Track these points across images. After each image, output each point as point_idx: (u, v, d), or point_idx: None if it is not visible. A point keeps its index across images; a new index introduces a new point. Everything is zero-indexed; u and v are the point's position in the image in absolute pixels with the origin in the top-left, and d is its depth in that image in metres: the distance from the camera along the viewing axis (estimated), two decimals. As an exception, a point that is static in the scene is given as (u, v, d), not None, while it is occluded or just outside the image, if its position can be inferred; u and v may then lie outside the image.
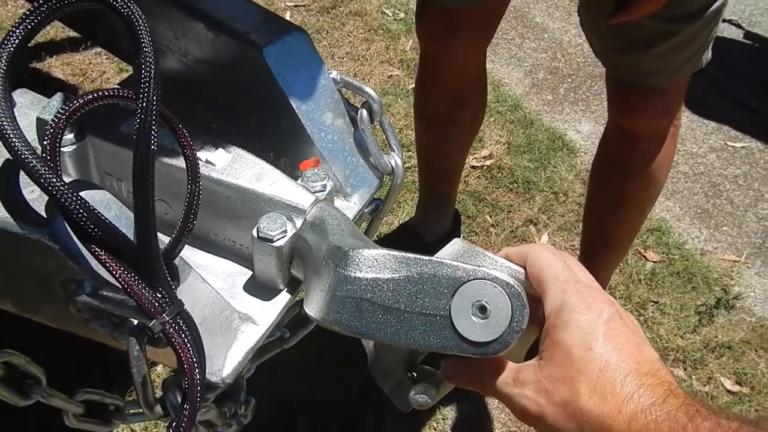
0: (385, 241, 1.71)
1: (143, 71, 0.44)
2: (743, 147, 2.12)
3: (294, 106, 0.66)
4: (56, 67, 2.06)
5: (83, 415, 0.65)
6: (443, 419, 1.41)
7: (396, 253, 0.47)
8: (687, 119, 2.14)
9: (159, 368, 1.32)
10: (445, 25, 1.23)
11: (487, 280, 0.44)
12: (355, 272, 0.47)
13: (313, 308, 0.49)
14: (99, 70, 2.06)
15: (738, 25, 2.57)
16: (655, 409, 0.39)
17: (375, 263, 0.47)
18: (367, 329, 0.46)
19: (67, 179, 0.50)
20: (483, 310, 0.44)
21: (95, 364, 1.17)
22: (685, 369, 1.55)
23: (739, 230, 1.88)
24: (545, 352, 0.43)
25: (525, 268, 0.48)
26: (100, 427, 0.67)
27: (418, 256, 0.46)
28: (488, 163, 1.97)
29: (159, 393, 0.54)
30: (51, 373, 0.61)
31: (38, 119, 0.66)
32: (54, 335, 0.61)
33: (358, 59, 2.26)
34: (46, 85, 1.96)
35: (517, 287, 0.44)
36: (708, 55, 1.14)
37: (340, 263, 0.48)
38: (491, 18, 1.28)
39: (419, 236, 1.66)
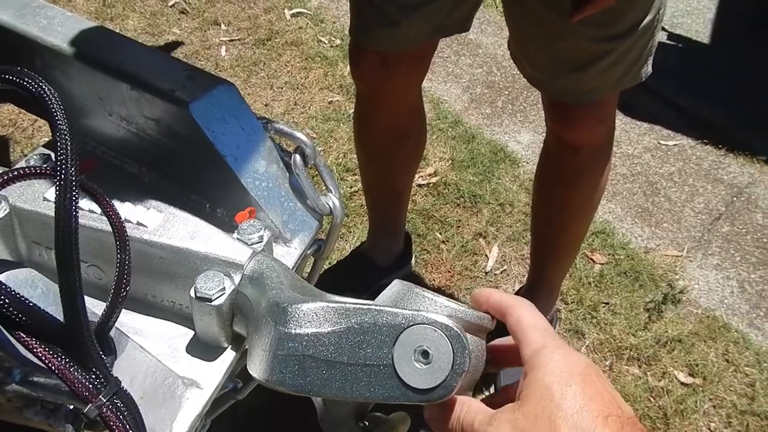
0: (337, 268, 1.70)
1: (59, 149, 0.43)
2: (675, 144, 2.21)
3: (225, 158, 0.66)
4: (-16, 118, 1.99)
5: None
6: None
7: (335, 304, 0.47)
8: (620, 122, 2.22)
9: None
10: (379, 67, 1.24)
11: (427, 324, 0.44)
12: (295, 329, 0.46)
13: (255, 369, 0.48)
14: (30, 119, 1.99)
15: (662, 29, 2.69)
16: None
17: (315, 317, 0.46)
18: (312, 386, 0.45)
19: (-13, 261, 0.48)
20: (425, 355, 0.44)
21: None
22: (639, 366, 1.59)
23: (679, 225, 1.95)
24: (524, 391, 0.43)
25: (490, 313, 0.49)
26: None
27: (358, 305, 0.46)
28: (434, 180, 1.99)
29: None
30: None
31: (-43, 193, 0.64)
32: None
33: (298, 87, 2.26)
34: (-27, 138, 1.89)
35: (456, 329, 0.44)
36: (648, 69, 1.16)
37: (279, 320, 0.47)
38: (424, 55, 1.30)
39: (372, 261, 1.67)
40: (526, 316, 0.47)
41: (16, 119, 1.99)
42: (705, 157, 2.16)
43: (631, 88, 1.17)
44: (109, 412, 0.42)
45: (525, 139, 2.18)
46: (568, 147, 1.27)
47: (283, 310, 0.47)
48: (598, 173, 1.32)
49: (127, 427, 0.43)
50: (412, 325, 0.44)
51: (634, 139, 2.22)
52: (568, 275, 1.72)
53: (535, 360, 0.44)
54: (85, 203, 0.60)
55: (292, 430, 1.39)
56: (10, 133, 1.94)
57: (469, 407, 0.46)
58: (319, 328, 0.46)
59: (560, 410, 0.40)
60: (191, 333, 0.60)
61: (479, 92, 2.35)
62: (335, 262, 1.73)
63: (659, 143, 2.21)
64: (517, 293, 1.67)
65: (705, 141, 2.21)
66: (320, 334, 0.45)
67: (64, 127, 0.43)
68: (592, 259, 1.83)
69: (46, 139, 1.28)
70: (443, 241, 1.84)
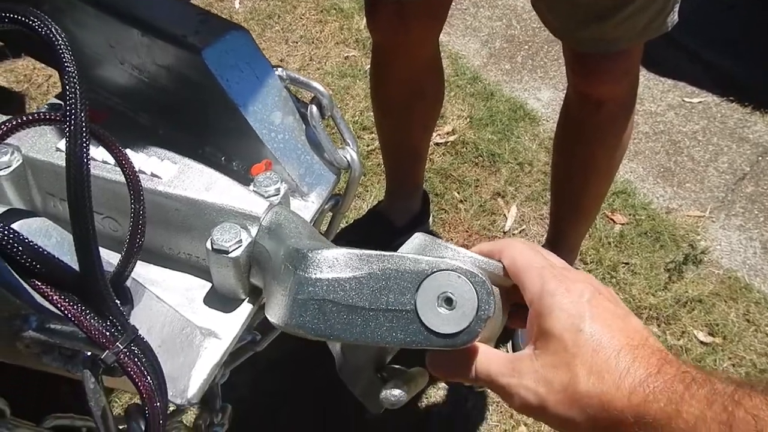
0: (354, 228, 1.69)
1: (68, 93, 0.42)
2: (700, 102, 2.15)
3: (240, 108, 0.64)
4: (-1, 75, 1.98)
5: (53, 441, 0.63)
6: (426, 412, 1.42)
7: (357, 251, 0.46)
8: (643, 78, 2.16)
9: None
10: (396, 17, 1.21)
11: (451, 271, 0.43)
12: (315, 273, 0.45)
13: (275, 315, 0.48)
14: (44, 74, 1.98)
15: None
16: (652, 381, 0.39)
17: (336, 263, 0.46)
18: (333, 331, 0.45)
19: (0, 209, 0.48)
20: (449, 301, 0.43)
21: (63, 381, 1.15)
22: (658, 325, 1.58)
23: (702, 186, 1.91)
24: (538, 341, 0.43)
25: (501, 261, 0.48)
26: (71, 453, 0.66)
27: (379, 253, 0.45)
28: (452, 138, 1.96)
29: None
30: (17, 394, 0.59)
31: (-30, 143, 0.63)
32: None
33: (313, 42, 2.22)
34: (-11, 95, 1.89)
35: (481, 276, 0.43)
36: (674, 17, 1.12)
37: (299, 266, 0.47)
38: (441, 5, 1.26)
39: (389, 220, 1.66)
40: (517, 257, 0.47)
41: (31, 75, 1.98)
42: (730, 116, 2.10)
43: (655, 42, 1.13)
44: (126, 359, 0.42)
45: (545, 96, 2.13)
46: (591, 102, 1.23)
47: (303, 256, 0.47)
48: (620, 130, 1.28)
49: (145, 372, 0.42)
50: (435, 272, 0.43)
51: (657, 96, 2.16)
52: (587, 235, 1.70)
53: (540, 308, 0.44)
54: (99, 154, 0.58)
55: (312, 379, 1.41)
56: (25, 88, 1.93)
57: (485, 354, 0.45)
58: (340, 273, 0.45)
59: (576, 357, 0.41)
60: (208, 285, 0.59)
61: (498, 47, 2.29)
62: (352, 221, 1.72)
63: (683, 101, 2.15)
64: (535, 252, 1.65)
65: (731, 99, 2.14)
66: (341, 279, 0.45)
67: (72, 70, 0.42)
68: (612, 220, 1.80)
69: (61, 95, 1.27)
70: (461, 201, 1.82)
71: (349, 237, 1.65)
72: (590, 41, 1.11)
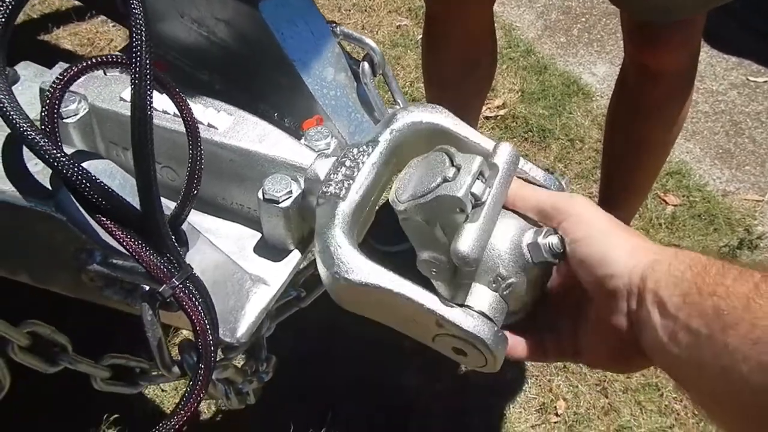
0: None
1: (134, 36, 0.44)
2: (766, 82, 2.05)
3: (294, 62, 0.65)
4: (63, 37, 2.05)
5: (110, 378, 0.67)
6: (462, 368, 1.43)
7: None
8: (706, 55, 2.07)
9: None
10: None
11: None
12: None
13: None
14: (107, 38, 2.04)
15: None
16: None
17: None
18: None
19: (69, 150, 0.50)
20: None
21: (119, 329, 1.21)
22: (707, 310, 1.54)
23: (762, 169, 1.84)
24: None
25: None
26: (127, 389, 0.69)
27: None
28: (502, 112, 1.94)
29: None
30: (76, 340, 0.63)
31: (41, 90, 0.66)
32: (77, 305, 0.62)
33: (366, 10, 2.21)
34: (54, 57, 1.96)
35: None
36: None
37: None
38: None
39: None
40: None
41: (94, 38, 2.04)
42: (798, 97, 2.00)
43: (720, 19, 1.08)
44: (182, 294, 0.44)
45: (600, 71, 2.07)
46: (649, 74, 1.19)
47: None
48: (679, 104, 1.24)
49: (199, 308, 0.45)
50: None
51: (719, 74, 2.07)
52: (638, 215, 1.66)
53: None
54: (159, 104, 0.61)
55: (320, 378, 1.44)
56: (88, 52, 2.00)
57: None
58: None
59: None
60: (259, 235, 0.62)
61: (554, 18, 2.23)
62: (397, 190, 1.73)
63: (747, 79, 2.06)
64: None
65: (800, 79, 2.04)
66: None
67: (140, 14, 0.44)
68: (664, 200, 1.75)
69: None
70: (508, 174, 1.80)
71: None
72: (651, 9, 1.07)
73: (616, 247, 0.43)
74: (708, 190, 1.77)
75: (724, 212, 1.72)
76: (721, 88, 2.04)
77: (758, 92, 2.02)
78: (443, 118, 0.54)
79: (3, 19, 0.43)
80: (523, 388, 1.41)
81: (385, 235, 0.85)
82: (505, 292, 0.47)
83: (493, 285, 0.47)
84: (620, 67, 1.31)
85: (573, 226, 0.46)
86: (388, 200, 0.52)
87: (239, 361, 0.88)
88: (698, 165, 1.85)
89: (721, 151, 1.88)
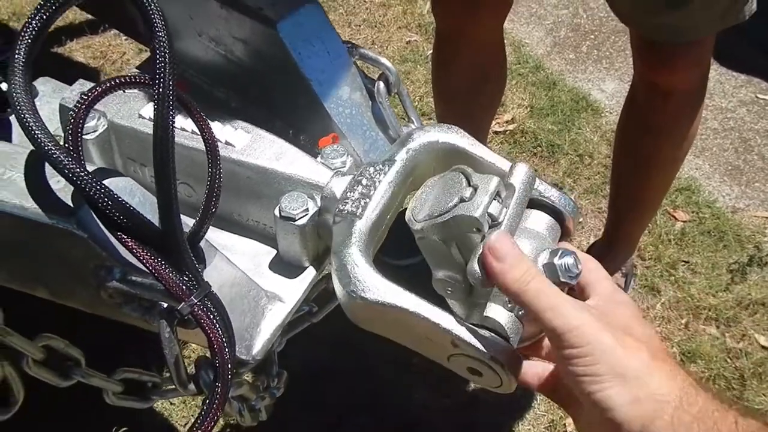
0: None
1: (158, 56, 0.44)
2: (775, 99, 2.05)
3: (310, 82, 0.66)
4: (77, 50, 2.08)
5: (122, 392, 0.68)
6: (471, 385, 1.42)
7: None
8: (715, 72, 2.08)
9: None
10: (466, 1, 1.20)
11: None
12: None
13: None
14: (119, 51, 2.07)
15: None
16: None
17: None
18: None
19: (90, 167, 0.51)
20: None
21: (131, 344, 1.21)
22: (717, 327, 1.54)
23: (772, 185, 1.83)
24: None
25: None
26: (139, 403, 0.70)
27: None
28: (511, 127, 1.94)
29: (193, 370, 0.56)
30: (89, 354, 0.63)
31: (61, 106, 0.67)
32: (90, 319, 0.63)
33: (376, 26, 2.23)
34: (67, 70, 1.98)
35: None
36: (752, 6, 1.07)
37: None
38: None
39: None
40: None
41: (107, 51, 2.07)
42: (808, 114, 2.00)
43: (729, 36, 1.09)
44: (200, 311, 0.45)
45: (609, 87, 2.08)
46: (659, 92, 1.20)
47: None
48: (689, 121, 1.25)
49: (217, 325, 0.45)
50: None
51: (728, 92, 2.07)
52: (647, 231, 1.66)
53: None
54: (178, 121, 0.61)
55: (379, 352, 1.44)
56: (101, 65, 2.02)
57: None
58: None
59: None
60: (274, 252, 0.62)
61: (563, 35, 2.24)
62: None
63: (756, 97, 2.06)
64: (592, 246, 1.63)
65: (809, 96, 2.04)
66: None
67: (163, 35, 0.44)
68: (674, 216, 1.75)
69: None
70: (517, 190, 1.80)
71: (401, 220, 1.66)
72: (663, 29, 1.08)
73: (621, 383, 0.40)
74: (717, 207, 1.77)
75: (733, 229, 1.71)
76: (731, 105, 2.04)
77: (767, 109, 2.02)
78: (459, 138, 0.55)
79: (31, 38, 0.44)
80: (532, 404, 1.40)
81: (394, 248, 0.85)
82: (520, 313, 0.47)
83: (509, 305, 0.47)
84: (629, 84, 1.31)
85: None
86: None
87: (249, 375, 0.88)
88: (707, 181, 1.84)
89: (730, 167, 1.88)
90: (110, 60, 2.04)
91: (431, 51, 1.46)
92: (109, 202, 0.44)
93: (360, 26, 2.23)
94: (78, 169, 0.43)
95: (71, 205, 0.47)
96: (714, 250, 1.67)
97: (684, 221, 1.74)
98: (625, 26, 1.18)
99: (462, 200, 0.47)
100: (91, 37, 2.09)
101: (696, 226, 1.72)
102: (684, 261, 1.65)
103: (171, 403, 1.35)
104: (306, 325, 0.76)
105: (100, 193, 0.43)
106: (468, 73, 1.37)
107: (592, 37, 2.24)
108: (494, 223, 0.47)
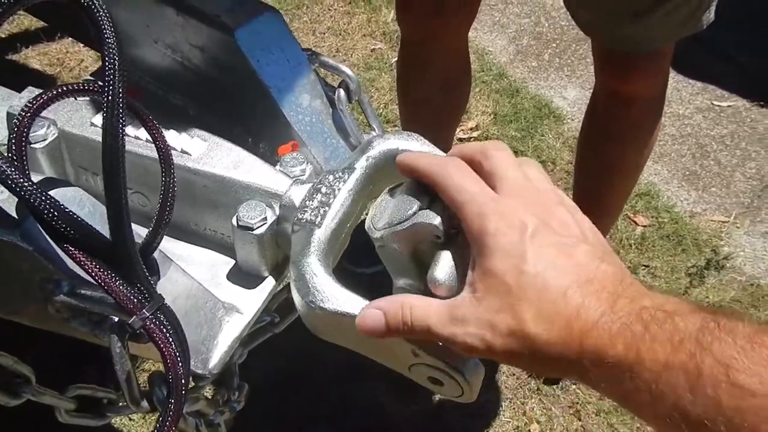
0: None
1: (107, 63, 0.43)
2: (729, 106, 2.11)
3: (269, 89, 0.65)
4: (32, 57, 2.02)
5: (76, 410, 0.65)
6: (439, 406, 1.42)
7: None
8: (673, 80, 2.13)
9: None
10: (431, 10, 1.20)
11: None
12: None
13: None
14: (77, 58, 2.02)
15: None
16: (605, 321, 0.35)
17: None
18: None
19: (38, 177, 0.49)
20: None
21: (88, 359, 1.18)
22: (677, 330, 1.57)
23: (728, 190, 1.89)
24: (478, 283, 0.39)
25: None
26: (93, 420, 0.67)
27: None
28: (475, 134, 1.96)
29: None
30: (43, 370, 0.61)
31: (8, 114, 0.65)
32: (44, 334, 0.61)
33: (340, 34, 2.23)
34: (22, 77, 1.92)
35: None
36: (710, 16, 1.10)
37: None
38: None
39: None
40: (452, 182, 0.43)
41: (63, 58, 2.02)
42: (760, 120, 2.06)
43: (686, 44, 1.12)
44: (152, 325, 0.43)
45: (571, 95, 2.12)
46: (621, 100, 1.22)
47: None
48: (650, 128, 1.27)
49: (170, 339, 0.44)
50: None
51: (685, 99, 2.13)
52: (608, 236, 1.68)
53: (480, 247, 0.40)
54: (131, 130, 0.60)
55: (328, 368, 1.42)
56: (57, 72, 1.97)
57: (420, 308, 0.41)
58: None
59: (521, 301, 0.37)
60: (232, 261, 0.61)
61: (526, 44, 2.28)
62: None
63: (712, 104, 2.12)
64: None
65: (761, 103, 2.10)
66: None
67: (113, 43, 0.43)
68: (634, 221, 1.78)
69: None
70: (481, 196, 1.82)
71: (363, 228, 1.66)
72: (625, 39, 1.10)
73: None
74: (676, 212, 1.81)
75: (691, 233, 1.76)
76: (687, 112, 2.10)
77: (722, 116, 2.08)
78: (419, 145, 0.55)
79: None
80: (498, 411, 1.41)
81: (358, 255, 0.85)
82: None
83: None
84: (591, 91, 1.34)
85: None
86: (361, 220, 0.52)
87: (209, 390, 0.86)
88: (666, 186, 1.89)
89: (687, 173, 1.93)
90: (67, 67, 1.99)
91: (396, 59, 1.47)
92: (55, 213, 0.42)
93: (324, 34, 2.23)
94: (21, 179, 0.42)
95: (15, 216, 0.46)
96: (673, 254, 1.71)
97: (644, 226, 1.77)
98: (586, 36, 1.20)
99: (421, 208, 0.47)
100: (48, 44, 2.04)
101: (655, 230, 1.76)
102: (644, 265, 1.69)
103: (130, 419, 1.32)
104: (268, 335, 0.74)
105: (44, 203, 0.42)
106: (434, 80, 1.38)
107: (554, 45, 2.28)
108: (454, 230, 0.47)
